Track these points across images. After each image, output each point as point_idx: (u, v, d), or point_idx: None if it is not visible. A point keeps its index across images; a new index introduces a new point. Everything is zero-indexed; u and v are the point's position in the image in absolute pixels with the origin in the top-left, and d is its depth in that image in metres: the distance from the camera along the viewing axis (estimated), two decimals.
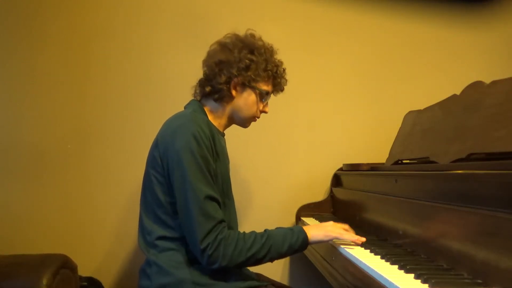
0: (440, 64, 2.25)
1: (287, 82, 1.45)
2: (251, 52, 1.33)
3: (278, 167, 2.15)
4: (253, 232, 1.22)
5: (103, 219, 2.01)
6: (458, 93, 1.39)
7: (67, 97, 2.02)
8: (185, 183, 1.17)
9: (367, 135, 2.18)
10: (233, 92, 1.33)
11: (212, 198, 1.18)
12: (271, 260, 1.22)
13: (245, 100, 1.35)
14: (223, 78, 1.30)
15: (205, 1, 2.10)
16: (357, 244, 1.28)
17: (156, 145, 1.27)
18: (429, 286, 0.86)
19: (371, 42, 2.23)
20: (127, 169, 1.97)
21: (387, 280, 0.93)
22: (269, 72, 1.35)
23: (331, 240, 1.29)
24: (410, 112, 1.74)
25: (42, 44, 2.00)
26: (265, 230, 1.24)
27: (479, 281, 0.88)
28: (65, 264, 1.57)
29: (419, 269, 0.96)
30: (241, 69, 1.31)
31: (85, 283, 1.84)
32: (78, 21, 2.03)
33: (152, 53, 2.07)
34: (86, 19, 2.04)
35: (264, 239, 1.19)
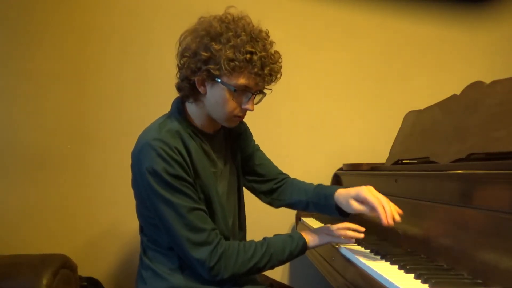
0: (440, 64, 2.25)
1: (279, 72, 1.20)
2: (214, 39, 1.11)
3: (278, 167, 2.15)
4: (252, 242, 1.20)
5: (103, 219, 2.01)
6: (458, 93, 1.39)
7: (67, 97, 2.02)
8: (161, 204, 1.11)
9: (367, 135, 2.18)
10: (201, 89, 1.16)
11: (195, 209, 1.12)
12: (272, 267, 1.21)
13: (216, 97, 1.15)
14: (183, 74, 1.17)
15: (205, 1, 2.10)
16: (352, 239, 1.27)
17: (131, 162, 1.21)
18: (429, 286, 0.86)
19: (371, 42, 2.23)
20: (127, 169, 1.97)
21: (387, 280, 0.93)
22: (236, 62, 1.09)
23: (328, 243, 1.29)
24: (410, 112, 1.74)
25: (41, 44, 2.01)
26: (264, 239, 1.22)
27: (479, 281, 0.88)
28: (65, 264, 1.57)
29: (419, 269, 0.96)
30: (201, 62, 1.12)
31: (85, 283, 1.84)
32: (77, 21, 2.04)
33: (152, 54, 2.07)
34: (86, 19, 2.04)
35: (265, 248, 1.18)
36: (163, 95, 2.02)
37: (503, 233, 0.83)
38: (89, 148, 2.02)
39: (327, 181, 2.12)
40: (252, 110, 1.19)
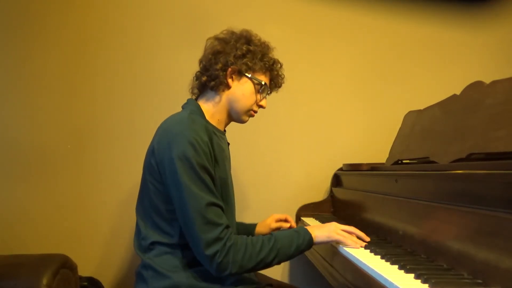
0: (440, 64, 2.25)
1: (285, 80, 1.44)
2: (247, 42, 1.33)
3: (278, 167, 2.15)
4: (260, 236, 1.20)
5: (103, 219, 2.01)
6: (458, 93, 1.39)
7: (67, 97, 2.02)
8: (184, 192, 1.14)
9: (367, 135, 2.18)
10: (229, 81, 1.31)
11: (214, 204, 1.16)
12: (279, 263, 1.21)
13: (242, 89, 1.33)
14: (219, 65, 1.30)
15: (206, 3, 2.10)
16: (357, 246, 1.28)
17: (152, 152, 1.23)
18: (429, 286, 0.86)
19: (371, 42, 2.22)
20: (127, 169, 1.97)
21: (387, 280, 0.93)
22: (266, 63, 1.34)
23: (333, 241, 1.29)
24: (410, 112, 1.74)
25: (42, 44, 2.01)
26: (271, 233, 1.22)
27: (479, 281, 0.88)
28: (65, 264, 1.57)
29: (419, 269, 0.96)
30: (238, 56, 1.30)
31: (85, 283, 1.84)
32: (79, 21, 2.04)
33: (153, 55, 2.07)
34: (88, 19, 2.04)
35: (272, 243, 1.18)
36: (163, 96, 2.04)
37: (503, 233, 0.83)
38: (89, 148, 2.02)
39: (327, 181, 2.12)
40: (265, 107, 1.39)
